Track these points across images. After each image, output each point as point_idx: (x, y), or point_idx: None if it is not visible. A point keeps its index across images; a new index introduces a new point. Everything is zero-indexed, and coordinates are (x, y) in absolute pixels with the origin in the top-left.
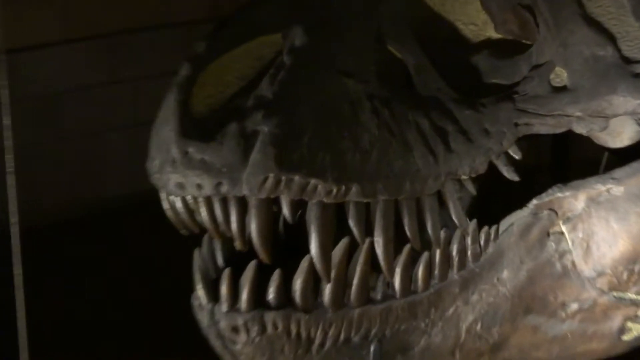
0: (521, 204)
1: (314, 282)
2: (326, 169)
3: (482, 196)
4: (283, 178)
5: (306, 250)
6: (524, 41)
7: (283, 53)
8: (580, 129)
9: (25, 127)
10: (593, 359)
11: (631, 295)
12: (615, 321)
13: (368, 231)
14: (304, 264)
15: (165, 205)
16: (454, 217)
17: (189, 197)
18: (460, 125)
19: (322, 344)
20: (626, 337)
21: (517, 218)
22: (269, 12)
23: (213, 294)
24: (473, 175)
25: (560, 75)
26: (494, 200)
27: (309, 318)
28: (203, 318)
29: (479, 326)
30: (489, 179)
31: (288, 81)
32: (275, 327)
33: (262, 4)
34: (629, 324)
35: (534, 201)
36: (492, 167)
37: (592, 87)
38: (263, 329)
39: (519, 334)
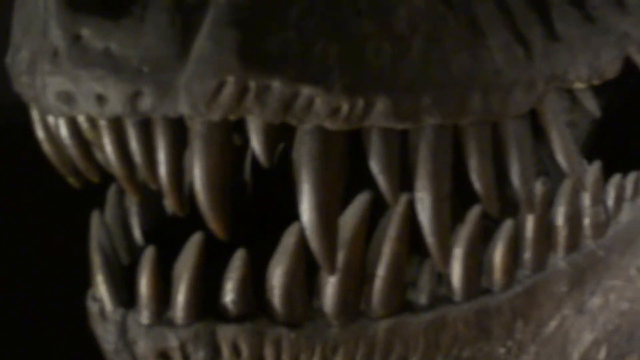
0: None
1: (306, 273)
2: (330, 69)
3: (608, 121)
4: (252, 84)
5: (292, 216)
6: None
7: None
8: None
9: None
10: None
11: None
12: None
13: (404, 184)
14: (288, 240)
15: (40, 133)
16: (559, 158)
17: (81, 119)
18: None
19: None
20: None
21: None
22: None
23: (124, 294)
24: (596, 81)
25: None
26: (631, 129)
27: (298, 337)
28: (107, 335)
29: (603, 353)
30: (621, 91)
31: None
32: (236, 352)
33: None
34: None
35: None
36: (630, 69)
37: None
38: (215, 356)
39: None
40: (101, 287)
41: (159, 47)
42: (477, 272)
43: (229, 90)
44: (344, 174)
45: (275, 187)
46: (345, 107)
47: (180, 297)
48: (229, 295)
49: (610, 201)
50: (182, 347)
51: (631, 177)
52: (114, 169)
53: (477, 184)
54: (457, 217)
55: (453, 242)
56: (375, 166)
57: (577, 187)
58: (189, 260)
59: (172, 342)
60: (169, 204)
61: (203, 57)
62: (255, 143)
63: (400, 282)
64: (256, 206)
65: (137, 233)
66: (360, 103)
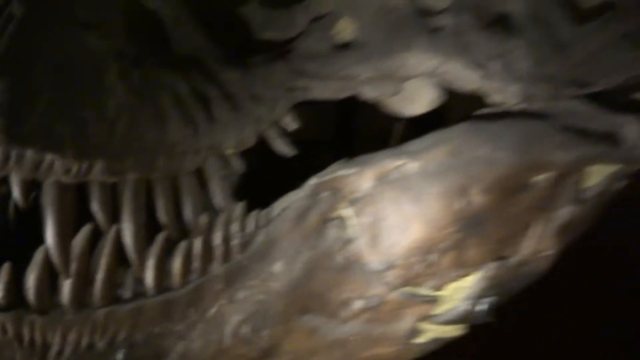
0: (299, 184)
1: (51, 278)
2: (65, 142)
3: (255, 176)
4: (13, 153)
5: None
6: None
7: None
8: (368, 93)
9: None
10: None
11: (425, 291)
12: (406, 322)
13: (117, 217)
14: (38, 256)
15: None
16: (217, 199)
17: None
18: (226, 89)
19: (60, 351)
20: (419, 340)
21: (293, 200)
22: None
23: None
24: (241, 149)
25: (345, 30)
26: (269, 181)
27: (45, 321)
28: None
29: (246, 328)
30: (263, 155)
31: (18, 35)
32: (4, 331)
33: None
34: (422, 325)
35: (312, 180)
36: (266, 141)
37: (384, 43)
38: None
39: (294, 338)
40: None
41: None
42: (163, 276)
43: None
44: (74, 211)
45: (32, 223)
46: (75, 168)
47: None
48: None
49: (251, 228)
50: None
51: (265, 212)
52: None
53: (162, 217)
54: (152, 239)
55: (147, 256)
56: (94, 206)
57: (229, 219)
58: None
59: None
60: None
61: None
62: (16, 192)
63: (112, 283)
64: (21, 235)
65: None
66: (85, 165)
